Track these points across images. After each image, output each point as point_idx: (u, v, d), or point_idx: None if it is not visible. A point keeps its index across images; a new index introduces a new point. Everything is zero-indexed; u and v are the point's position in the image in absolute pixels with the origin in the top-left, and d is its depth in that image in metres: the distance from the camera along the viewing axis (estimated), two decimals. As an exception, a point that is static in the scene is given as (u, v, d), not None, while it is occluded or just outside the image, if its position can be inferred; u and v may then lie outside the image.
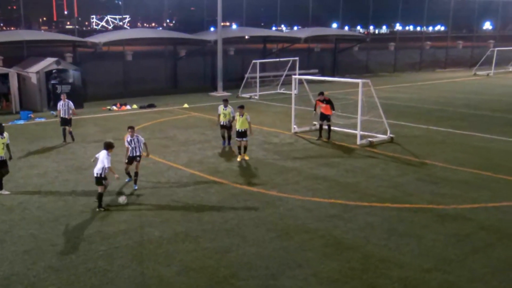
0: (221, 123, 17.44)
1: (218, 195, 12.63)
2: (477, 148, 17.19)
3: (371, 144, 17.62)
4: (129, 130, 13.28)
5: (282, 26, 46.53)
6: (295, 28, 47.95)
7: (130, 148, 13.15)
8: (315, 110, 18.82)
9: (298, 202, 12.04)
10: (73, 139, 18.38)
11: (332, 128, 18.62)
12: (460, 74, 43.96)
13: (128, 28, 40.64)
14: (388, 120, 18.84)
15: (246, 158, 15.91)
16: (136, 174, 13.15)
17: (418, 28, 55.39)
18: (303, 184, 13.45)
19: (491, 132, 19.58)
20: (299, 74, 30.08)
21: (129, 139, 13.15)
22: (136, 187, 13.07)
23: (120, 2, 37.98)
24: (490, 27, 59.39)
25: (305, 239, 9.99)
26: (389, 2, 47.26)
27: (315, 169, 14.77)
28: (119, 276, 8.60)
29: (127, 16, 41.97)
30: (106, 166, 11.53)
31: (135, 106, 26.70)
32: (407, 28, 59.14)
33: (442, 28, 59.27)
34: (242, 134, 15.81)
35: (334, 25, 47.07)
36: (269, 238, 10.03)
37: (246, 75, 32.00)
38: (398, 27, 52.18)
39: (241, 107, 15.99)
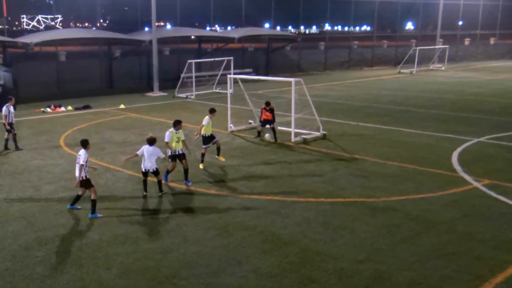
0: (174, 153, 13.25)
1: (158, 196, 12.44)
2: (402, 143, 17.86)
3: (305, 141, 17.92)
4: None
5: (216, 26, 46.39)
6: (229, 28, 47.94)
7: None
8: (261, 118, 18.67)
9: (236, 200, 12.07)
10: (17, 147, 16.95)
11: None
12: (386, 72, 45.50)
13: (61, 28, 39.19)
14: (320, 117, 19.22)
15: (223, 159, 15.11)
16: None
17: (346, 28, 56.79)
18: (240, 182, 13.49)
19: (415, 127, 20.40)
20: (234, 74, 30.14)
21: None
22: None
23: (51, 2, 36.52)
24: (412, 27, 61.80)
25: (244, 236, 10.03)
26: (318, 3, 48.20)
27: (252, 167, 14.85)
28: (58, 282, 8.30)
29: (59, 16, 40.46)
30: (162, 157, 12.37)
31: (70, 107, 25.82)
32: (335, 28, 60.49)
33: (368, 28, 61.08)
34: (211, 138, 14.86)
35: (267, 25, 47.47)
36: (209, 237, 10.00)
37: (182, 75, 31.68)
38: (327, 27, 53.34)
39: (214, 110, 15.11)
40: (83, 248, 9.51)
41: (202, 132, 14.85)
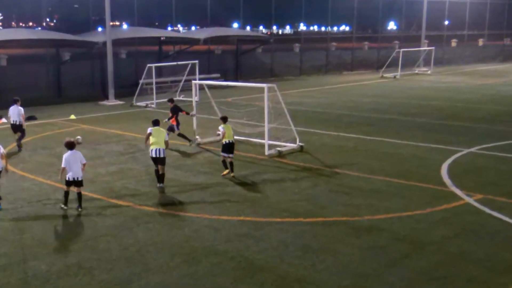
0: (155, 154, 14.24)
1: (115, 218, 12.29)
2: (388, 155, 18.10)
3: (280, 154, 17.98)
4: None
5: (179, 26, 46.38)
6: (193, 28, 47.99)
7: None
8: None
9: (204, 222, 12.00)
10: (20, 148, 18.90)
11: (235, 137, 18.81)
12: (368, 77, 46.17)
13: (0, 28, 38.60)
14: (296, 128, 19.33)
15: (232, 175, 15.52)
16: None
17: (323, 29, 57.47)
18: (209, 201, 13.45)
19: (401, 137, 20.71)
20: (200, 79, 30.15)
21: None
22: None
23: (-11, -2, 36.04)
24: (395, 27, 62.94)
25: (214, 262, 9.97)
26: (292, 1, 48.66)
27: (222, 184, 14.82)
28: (0, 321, 8.09)
29: (-1, 14, 39.92)
30: (84, 162, 12.80)
31: (12, 118, 25.35)
32: (311, 28, 61.16)
33: (347, 29, 61.93)
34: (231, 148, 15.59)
35: (235, 25, 47.66)
36: (174, 264, 9.90)
37: (141, 81, 31.47)
38: (302, 27, 53.91)
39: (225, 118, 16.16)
40: (28, 281, 9.29)
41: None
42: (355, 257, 10.18)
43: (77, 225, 11.91)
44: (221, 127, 15.70)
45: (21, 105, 19.01)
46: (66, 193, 12.65)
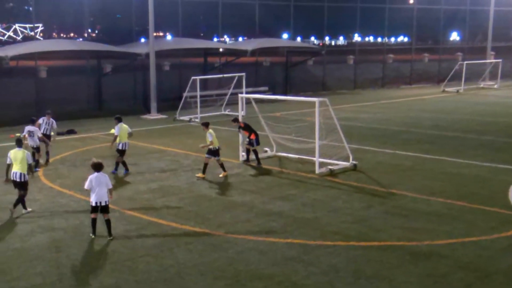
0: (126, 147, 18.50)
1: (155, 238, 12.44)
2: (449, 175, 17.76)
3: (332, 173, 17.88)
4: None
5: (225, 36, 46.94)
6: (240, 39, 48.45)
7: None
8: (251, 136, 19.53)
9: (249, 244, 12.01)
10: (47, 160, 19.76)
11: (283, 154, 18.91)
12: (428, 91, 45.54)
13: (41, 39, 39.89)
14: (350, 145, 19.20)
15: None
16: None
17: (379, 39, 57.12)
18: (255, 222, 13.46)
19: (464, 156, 20.30)
20: (247, 92, 30.35)
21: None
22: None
23: (30, 8, 37.24)
24: (458, 38, 61.96)
25: (259, 287, 9.94)
26: (346, 10, 48.55)
27: (269, 204, 14.83)
28: None
29: (40, 25, 41.17)
30: (110, 187, 12.74)
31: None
32: (366, 39, 60.91)
33: (406, 39, 61.39)
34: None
35: (285, 36, 47.91)
36: (217, 288, 9.93)
37: (185, 94, 31.89)
38: (356, 38, 53.67)
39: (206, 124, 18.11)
40: (65, 301, 9.48)
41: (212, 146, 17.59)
42: (412, 285, 9.98)
43: (115, 244, 12.09)
44: (209, 135, 17.50)
45: (59, 119, 20.10)
46: (93, 221, 12.42)
